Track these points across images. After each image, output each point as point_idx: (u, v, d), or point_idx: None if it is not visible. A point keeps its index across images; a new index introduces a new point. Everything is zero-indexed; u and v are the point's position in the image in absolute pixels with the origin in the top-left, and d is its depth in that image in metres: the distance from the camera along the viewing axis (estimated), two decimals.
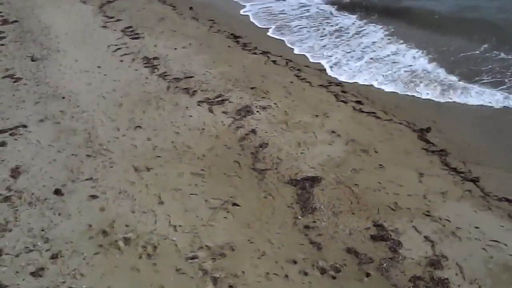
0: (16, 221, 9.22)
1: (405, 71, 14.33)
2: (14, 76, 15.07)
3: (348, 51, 15.89)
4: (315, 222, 8.97)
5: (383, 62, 14.87)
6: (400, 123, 11.73)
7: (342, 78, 14.02)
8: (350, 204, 9.33)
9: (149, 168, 10.57)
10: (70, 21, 19.45)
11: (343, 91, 13.09)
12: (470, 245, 8.33)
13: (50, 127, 12.23)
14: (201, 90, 13.47)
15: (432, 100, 12.97)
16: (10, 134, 11.93)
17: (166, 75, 14.54)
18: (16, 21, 19.71)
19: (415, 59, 15.02)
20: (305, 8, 20.29)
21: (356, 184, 9.77)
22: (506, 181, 9.79)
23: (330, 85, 13.65)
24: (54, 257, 8.47)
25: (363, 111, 12.35)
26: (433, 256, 8.14)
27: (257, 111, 12.34)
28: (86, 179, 10.34)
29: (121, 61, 15.62)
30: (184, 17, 19.26)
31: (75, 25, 18.95)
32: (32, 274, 8.17)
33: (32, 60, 16.08)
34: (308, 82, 13.83)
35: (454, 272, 7.89)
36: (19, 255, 8.46)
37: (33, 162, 10.86)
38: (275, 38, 17.41)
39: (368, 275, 7.94)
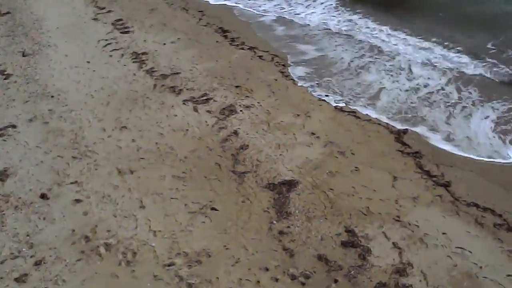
0: (2, 226, 9.56)
1: None
2: (5, 73, 15.33)
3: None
4: (289, 227, 9.32)
5: None
6: (378, 124, 11.91)
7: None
8: (324, 209, 9.65)
9: (133, 170, 10.89)
10: (62, 12, 19.65)
11: (327, 95, 13.19)
12: (436, 252, 8.68)
13: (38, 127, 12.52)
14: (187, 89, 13.72)
15: None
16: (0, 135, 12.15)
17: (153, 71, 14.79)
18: (8, 12, 19.92)
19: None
20: None
21: (331, 189, 10.10)
22: (476, 185, 10.11)
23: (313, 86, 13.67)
24: (37, 263, 8.81)
25: (343, 110, 12.48)
26: (399, 264, 8.48)
27: (241, 110, 12.64)
28: (71, 183, 10.65)
29: (110, 56, 15.87)
30: (175, 8, 19.45)
31: (67, 17, 19.16)
32: (16, 280, 8.55)
33: (23, 56, 16.29)
34: (292, 79, 13.92)
35: (418, 279, 8.25)
36: (4, 262, 8.82)
37: (21, 164, 11.18)
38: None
39: (336, 281, 8.30)
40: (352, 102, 12.92)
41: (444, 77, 13.95)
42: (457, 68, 14.07)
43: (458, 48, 15.31)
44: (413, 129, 11.89)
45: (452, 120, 12.19)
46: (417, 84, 13.69)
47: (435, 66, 14.45)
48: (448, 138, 11.61)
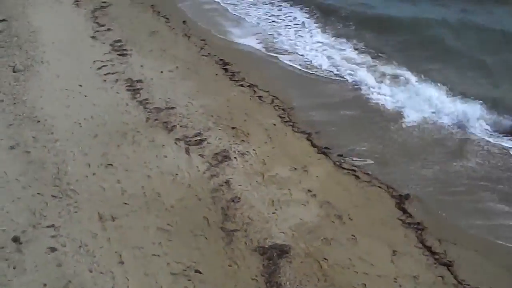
0: None
1: None
2: None
3: None
4: None
5: None
6: (379, 187, 11.24)
7: None
8: (317, 282, 8.99)
9: (115, 217, 10.22)
10: (59, 25, 19.03)
11: (327, 147, 12.50)
12: None
13: (20, 156, 11.87)
14: (181, 126, 13.08)
15: None
16: None
17: (147, 103, 14.13)
18: (4, 20, 19.21)
19: None
20: None
21: (325, 258, 9.45)
22: (481, 268, 9.43)
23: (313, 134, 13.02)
24: None
25: (343, 167, 11.80)
26: None
27: (235, 157, 12.00)
28: (48, 226, 9.97)
29: (104, 81, 15.21)
30: (176, 33, 18.78)
31: (65, 32, 18.49)
32: None
33: (14, 71, 15.56)
34: (291, 125, 13.25)
35: None
36: None
37: None
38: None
39: None
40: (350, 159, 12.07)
41: None
42: None
43: None
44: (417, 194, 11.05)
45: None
46: None
47: None
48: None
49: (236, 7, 21.44)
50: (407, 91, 14.80)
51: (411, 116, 13.70)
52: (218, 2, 21.87)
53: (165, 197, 10.75)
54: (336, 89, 15.59)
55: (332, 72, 16.61)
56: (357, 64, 16.92)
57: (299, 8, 21.46)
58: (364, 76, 15.81)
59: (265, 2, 22.00)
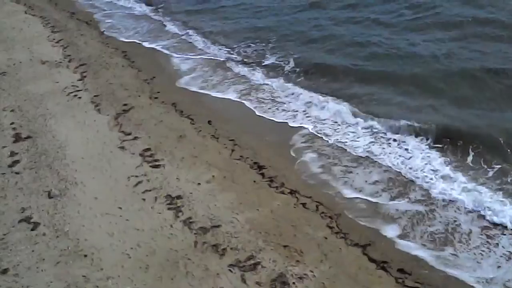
0: None
1: None
2: (32, 220, 14.39)
3: None
4: None
5: None
6: None
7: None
8: None
9: None
10: (85, 137, 18.85)
11: (384, 261, 12.20)
12: None
13: None
14: (231, 248, 12.79)
15: None
16: None
17: (191, 222, 13.89)
18: (29, 137, 19.14)
19: None
20: None
21: None
22: None
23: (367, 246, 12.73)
24: None
25: (406, 285, 11.49)
26: None
27: (293, 282, 11.72)
28: None
29: (143, 200, 14.98)
30: (204, 135, 18.69)
31: (91, 144, 18.34)
32: None
33: (49, 197, 15.40)
34: (343, 237, 12.98)
35: None
36: None
37: None
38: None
39: None
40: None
41: None
42: None
43: None
44: None
45: None
46: None
47: None
48: None
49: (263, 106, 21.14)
50: None
51: None
52: (242, 102, 21.60)
53: None
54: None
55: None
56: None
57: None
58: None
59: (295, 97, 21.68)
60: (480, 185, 14.69)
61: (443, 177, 15.20)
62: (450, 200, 14.33)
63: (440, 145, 16.83)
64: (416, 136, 17.50)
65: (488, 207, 13.67)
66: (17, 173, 16.90)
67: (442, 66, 21.76)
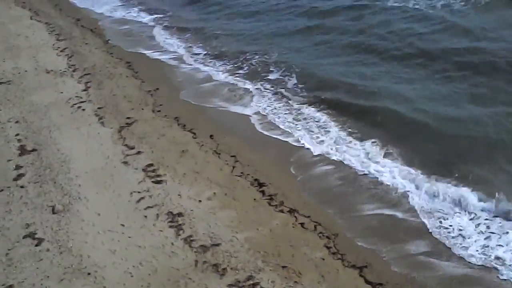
0: None
1: None
2: (36, 236, 14.68)
3: None
4: None
5: None
6: None
7: None
8: None
9: None
10: (89, 151, 19.14)
11: (380, 283, 12.52)
12: None
13: None
14: (231, 268, 13.14)
15: None
16: None
17: (192, 240, 14.21)
18: (34, 149, 19.41)
19: None
20: None
21: None
22: None
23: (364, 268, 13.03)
24: None
25: None
26: None
27: None
28: None
29: (145, 216, 15.30)
30: (206, 151, 19.00)
31: (95, 158, 18.64)
32: None
33: (53, 212, 15.70)
34: (340, 258, 13.29)
35: None
36: None
37: None
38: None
39: None
40: None
41: None
42: None
43: None
44: None
45: None
46: None
47: None
48: None
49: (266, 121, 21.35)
50: None
51: None
52: (248, 115, 21.83)
53: None
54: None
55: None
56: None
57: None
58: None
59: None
60: None
61: None
62: None
63: None
64: None
65: None
66: (22, 187, 17.18)
67: None
